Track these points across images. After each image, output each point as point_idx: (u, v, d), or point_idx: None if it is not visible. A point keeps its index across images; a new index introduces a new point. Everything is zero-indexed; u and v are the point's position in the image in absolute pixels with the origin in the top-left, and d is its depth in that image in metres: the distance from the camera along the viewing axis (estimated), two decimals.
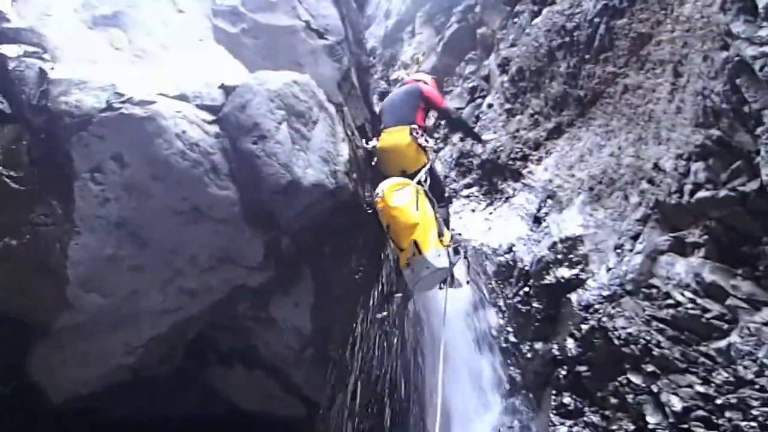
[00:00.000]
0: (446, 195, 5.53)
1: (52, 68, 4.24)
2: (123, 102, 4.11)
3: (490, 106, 7.49)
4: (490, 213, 6.36)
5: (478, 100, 8.33)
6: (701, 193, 3.24)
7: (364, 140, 5.77)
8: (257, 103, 4.52)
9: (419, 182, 4.85)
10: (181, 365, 5.04)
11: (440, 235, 4.54)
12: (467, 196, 7.24)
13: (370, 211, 5.22)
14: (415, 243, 4.42)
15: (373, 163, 5.49)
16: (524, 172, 5.81)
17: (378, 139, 5.38)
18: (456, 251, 4.59)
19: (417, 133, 5.20)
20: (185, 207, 4.27)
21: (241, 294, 4.74)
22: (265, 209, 4.51)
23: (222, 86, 4.63)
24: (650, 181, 3.84)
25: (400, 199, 4.64)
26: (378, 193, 4.72)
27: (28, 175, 3.97)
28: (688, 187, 3.36)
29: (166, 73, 4.77)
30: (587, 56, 5.07)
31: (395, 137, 5.26)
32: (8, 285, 3.93)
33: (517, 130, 6.29)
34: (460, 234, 5.08)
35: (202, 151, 4.27)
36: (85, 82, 4.19)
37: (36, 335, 4.20)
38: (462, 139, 7.84)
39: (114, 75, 4.36)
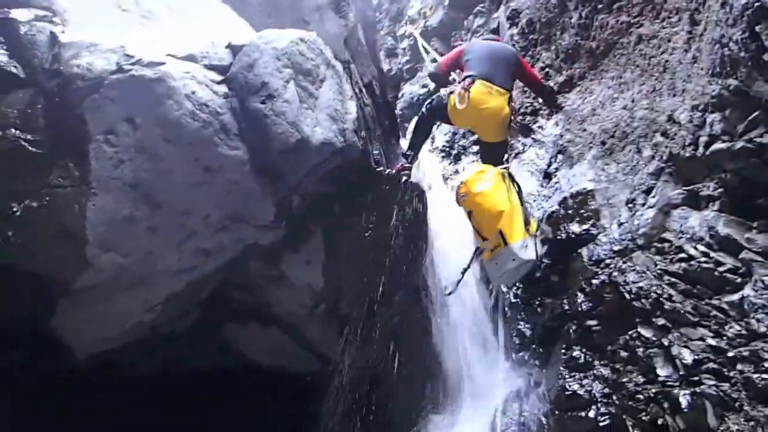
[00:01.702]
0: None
1: (63, 32, 4.27)
2: (133, 64, 4.16)
3: None
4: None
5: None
6: (717, 145, 3.18)
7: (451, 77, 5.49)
8: (264, 62, 4.51)
9: (506, 167, 4.60)
10: (198, 322, 5.16)
11: (526, 223, 4.30)
12: (476, 152, 7.19)
13: (379, 169, 5.20)
14: (501, 233, 4.19)
15: (442, 106, 5.09)
16: (534, 127, 5.73)
17: (468, 87, 4.83)
18: (543, 242, 4.35)
19: (512, 105, 4.88)
20: (197, 167, 4.32)
21: (253, 252, 4.81)
22: (274, 168, 4.54)
23: (229, 46, 4.62)
24: (664, 134, 3.78)
25: (484, 184, 4.36)
26: (461, 179, 4.49)
27: (45, 138, 4.05)
28: (703, 139, 3.30)
29: (174, 33, 4.75)
30: (600, 6, 4.93)
31: (497, 100, 4.85)
32: (30, 247, 4.04)
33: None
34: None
35: (211, 112, 4.29)
36: (95, 45, 4.23)
37: (58, 294, 4.31)
38: None
39: (122, 37, 4.37)
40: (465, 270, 4.71)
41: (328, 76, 4.82)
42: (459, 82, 4.98)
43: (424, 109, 5.40)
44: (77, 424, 5.04)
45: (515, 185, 4.57)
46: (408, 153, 5.50)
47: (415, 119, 5.60)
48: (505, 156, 4.96)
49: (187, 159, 4.27)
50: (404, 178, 5.28)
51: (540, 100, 5.63)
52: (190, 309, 5.03)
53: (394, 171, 5.36)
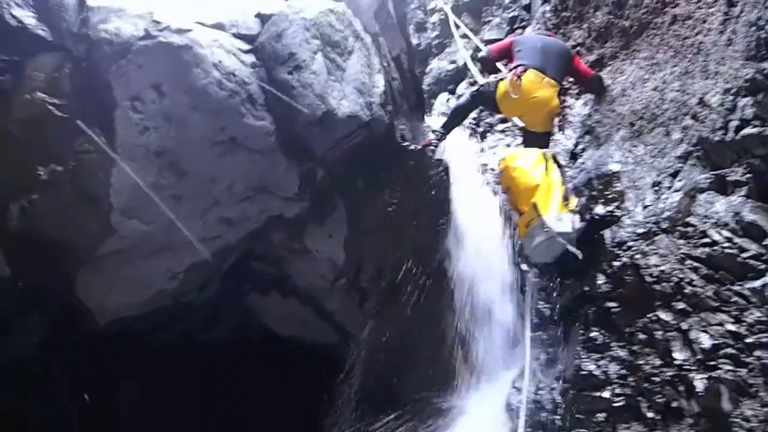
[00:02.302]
0: None
1: None
2: (161, 30, 4.13)
3: None
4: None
5: (518, 31, 8.08)
6: (747, 130, 3.13)
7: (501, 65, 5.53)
8: (293, 32, 4.49)
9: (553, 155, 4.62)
10: (219, 292, 5.24)
11: (565, 199, 4.29)
12: (502, 131, 7.14)
13: (404, 144, 5.20)
14: (535, 205, 4.21)
15: (489, 94, 5.12)
16: (563, 106, 5.67)
17: (519, 75, 4.86)
18: (582, 218, 4.30)
19: (561, 98, 4.94)
20: (222, 137, 4.34)
21: (277, 224, 4.85)
22: (300, 140, 4.55)
23: (258, 15, 4.60)
24: (694, 117, 3.72)
25: (522, 160, 4.44)
26: (502, 157, 4.58)
27: (71, 103, 4.07)
28: (733, 124, 3.25)
29: (202, 0, 4.74)
30: None
31: (547, 91, 4.88)
32: (55, 212, 4.10)
33: None
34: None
35: (238, 81, 4.29)
36: (123, 10, 4.21)
37: (82, 260, 4.40)
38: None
39: (150, 3, 4.36)
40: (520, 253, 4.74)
41: (356, 49, 4.80)
42: (510, 70, 5.01)
43: (468, 95, 5.49)
44: (103, 390, 5.23)
45: (557, 165, 4.56)
46: (440, 131, 5.57)
47: (444, 97, 5.57)
48: (548, 147, 4.96)
49: (213, 128, 4.29)
50: (429, 153, 5.28)
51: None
52: (212, 279, 5.09)
53: (420, 146, 5.38)
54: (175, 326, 5.25)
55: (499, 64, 5.77)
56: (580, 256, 4.19)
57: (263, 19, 4.58)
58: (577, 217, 4.26)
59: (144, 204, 4.26)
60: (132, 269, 4.52)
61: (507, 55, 5.36)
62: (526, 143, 5.18)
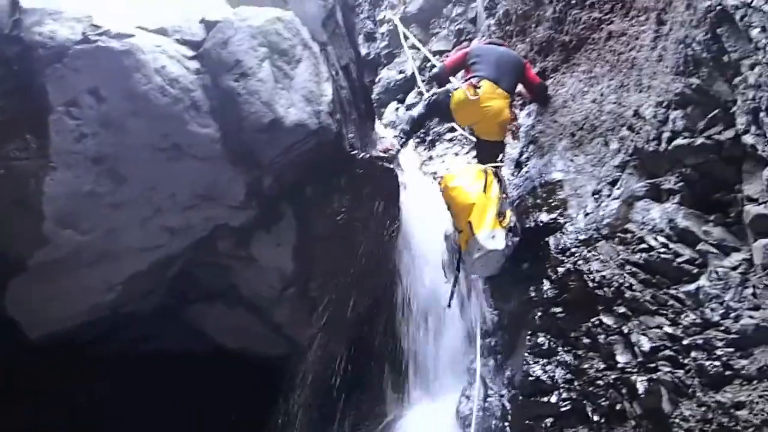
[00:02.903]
0: None
1: None
2: (100, 34, 4.00)
3: None
4: (473, 157, 6.36)
5: (464, 43, 8.23)
6: (678, 141, 3.29)
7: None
8: (239, 39, 4.44)
9: (497, 166, 4.73)
10: (162, 303, 5.09)
11: (500, 215, 4.38)
12: (450, 140, 7.25)
13: (353, 152, 5.20)
14: (470, 224, 4.30)
15: (443, 102, 5.15)
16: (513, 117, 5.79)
17: (475, 85, 4.87)
18: (515, 232, 4.43)
19: (512, 110, 5.02)
20: (165, 144, 4.24)
21: (223, 232, 4.76)
22: (247, 148, 4.49)
23: (203, 21, 4.52)
24: (630, 128, 3.87)
25: (461, 179, 4.54)
26: (442, 176, 4.71)
27: (1, 107, 3.87)
28: (666, 135, 3.40)
29: (144, 5, 4.64)
30: (573, 1, 5.03)
31: (500, 102, 4.92)
32: None
33: None
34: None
35: (182, 88, 4.21)
36: (59, 12, 4.05)
37: (12, 270, 4.20)
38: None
39: (89, 6, 4.23)
40: (458, 268, 4.74)
41: (305, 57, 4.78)
42: (465, 80, 5.08)
43: (423, 106, 5.51)
44: (41, 404, 5.03)
45: (499, 181, 4.64)
46: (401, 136, 5.66)
47: (393, 106, 5.58)
48: (501, 156, 5.02)
49: (155, 135, 4.18)
50: (380, 162, 5.31)
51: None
52: (154, 290, 4.96)
53: (380, 151, 5.42)
54: (116, 338, 5.08)
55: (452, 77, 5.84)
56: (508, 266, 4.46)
57: (208, 25, 4.51)
58: (510, 233, 4.37)
59: (80, 213, 4.11)
60: (67, 280, 4.34)
61: (462, 67, 5.45)
62: (480, 152, 5.24)
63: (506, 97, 4.94)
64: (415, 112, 5.60)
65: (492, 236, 4.28)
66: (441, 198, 4.69)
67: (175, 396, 5.23)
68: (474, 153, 5.77)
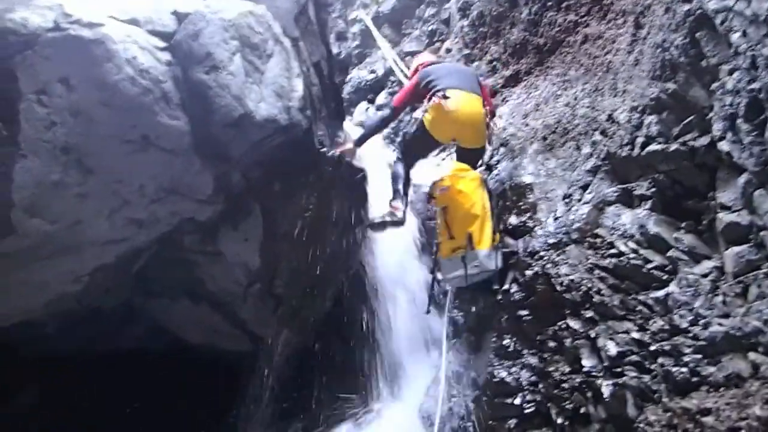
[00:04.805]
0: None
1: None
2: (71, 23, 3.93)
3: (448, 50, 7.42)
4: (443, 159, 6.36)
5: (437, 44, 8.24)
6: (652, 146, 3.29)
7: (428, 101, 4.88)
8: (210, 32, 4.37)
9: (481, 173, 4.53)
10: (127, 297, 5.02)
11: (494, 232, 4.28)
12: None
13: (323, 150, 5.14)
14: (470, 236, 4.19)
15: (416, 131, 4.89)
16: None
17: (443, 100, 4.60)
18: (504, 255, 4.32)
19: (487, 108, 4.78)
20: (134, 135, 4.15)
21: (189, 227, 4.69)
22: (215, 142, 4.42)
23: (174, 12, 4.45)
24: (603, 133, 3.88)
25: (467, 184, 4.34)
26: (445, 173, 4.40)
27: None
28: (639, 140, 3.41)
29: None
30: (549, 3, 5.04)
31: (474, 104, 4.70)
32: None
33: None
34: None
35: (152, 79, 4.13)
36: (30, 0, 3.97)
37: None
38: None
39: None
40: (432, 272, 4.64)
41: (276, 52, 4.72)
42: (429, 100, 4.76)
43: (399, 147, 5.19)
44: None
45: (489, 192, 4.51)
46: (395, 200, 5.04)
47: (363, 106, 5.34)
48: (480, 161, 4.89)
49: (124, 125, 4.10)
50: (347, 159, 5.23)
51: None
52: (119, 283, 4.87)
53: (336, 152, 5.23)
54: (79, 332, 4.96)
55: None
56: (498, 287, 4.30)
57: (180, 17, 4.43)
58: (501, 253, 4.29)
59: (48, 202, 4.01)
60: (32, 270, 4.23)
61: (416, 96, 5.10)
62: (461, 161, 4.89)
63: (478, 98, 4.81)
64: (398, 166, 5.10)
65: (489, 256, 4.19)
66: (438, 196, 4.40)
67: (137, 395, 5.14)
68: (443, 155, 5.72)
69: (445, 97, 4.59)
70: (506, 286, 4.22)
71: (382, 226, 5.03)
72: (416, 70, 5.37)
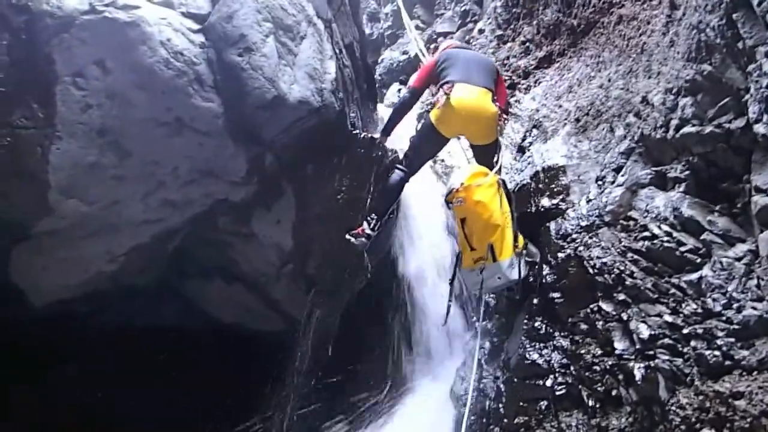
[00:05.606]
0: None
1: None
2: (106, 5, 3.99)
3: (481, 31, 7.36)
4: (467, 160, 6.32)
5: (470, 25, 8.18)
6: (687, 129, 3.25)
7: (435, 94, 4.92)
8: (244, 13, 4.40)
9: (497, 170, 4.41)
10: (161, 276, 5.11)
11: (515, 239, 4.18)
12: None
13: (355, 132, 5.16)
14: (492, 247, 4.09)
15: (419, 125, 4.86)
16: (511, 101, 5.77)
17: (449, 91, 4.51)
18: (528, 262, 4.25)
19: (497, 104, 4.61)
20: (168, 117, 4.22)
21: (223, 208, 4.76)
22: (249, 124, 4.48)
23: None
24: (637, 115, 3.84)
25: (484, 193, 4.18)
26: (460, 182, 4.22)
27: (8, 76, 3.87)
28: (674, 122, 3.37)
29: None
30: None
31: (482, 99, 4.54)
32: None
33: (507, 58, 6.21)
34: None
35: (186, 61, 4.19)
36: None
37: (16, 239, 4.21)
38: None
39: None
40: (451, 282, 4.58)
41: (309, 34, 4.74)
42: (435, 93, 4.77)
43: (405, 157, 4.93)
44: (43, 374, 5.06)
45: (507, 195, 4.38)
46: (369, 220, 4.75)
47: (396, 87, 5.17)
48: (496, 157, 4.73)
49: (159, 108, 4.17)
50: (380, 143, 5.22)
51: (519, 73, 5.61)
52: (154, 263, 4.98)
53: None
54: (115, 310, 5.09)
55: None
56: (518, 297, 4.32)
57: None
58: (524, 261, 4.19)
59: (84, 183, 4.11)
60: (70, 250, 4.36)
61: (432, 78, 4.98)
62: (477, 158, 4.94)
63: (486, 93, 4.59)
64: (395, 178, 4.82)
65: (512, 265, 4.09)
66: (457, 208, 4.27)
67: (171, 371, 5.26)
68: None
69: (448, 94, 4.48)
70: (539, 270, 4.22)
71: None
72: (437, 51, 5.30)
